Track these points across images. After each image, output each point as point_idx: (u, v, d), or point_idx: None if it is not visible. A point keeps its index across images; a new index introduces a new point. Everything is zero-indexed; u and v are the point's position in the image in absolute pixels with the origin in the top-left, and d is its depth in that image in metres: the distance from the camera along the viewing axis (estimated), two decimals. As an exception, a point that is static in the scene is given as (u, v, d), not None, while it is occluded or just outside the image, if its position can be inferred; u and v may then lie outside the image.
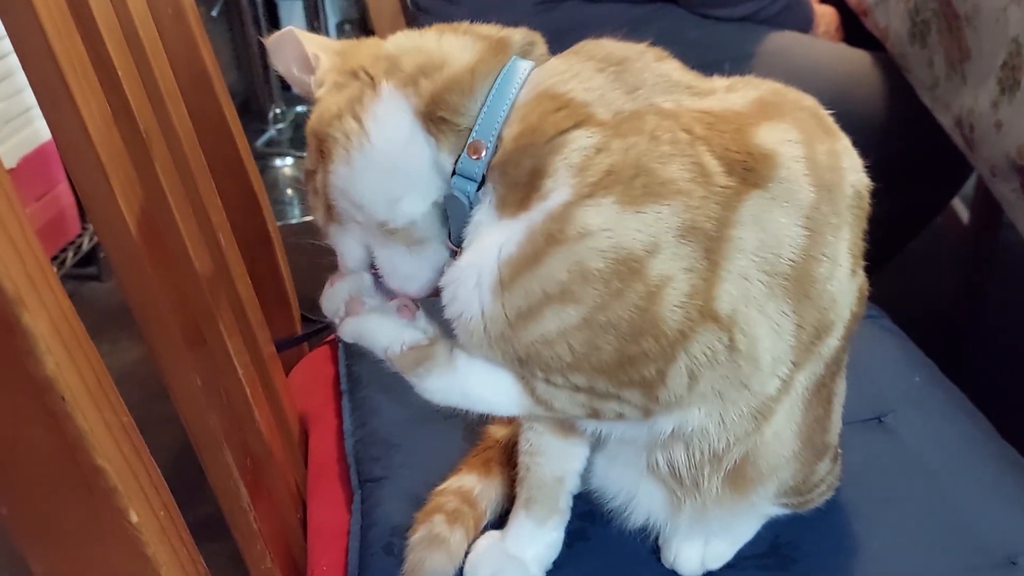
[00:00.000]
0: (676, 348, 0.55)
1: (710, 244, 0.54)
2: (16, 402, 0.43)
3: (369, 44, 0.61)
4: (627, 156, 0.53)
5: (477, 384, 0.60)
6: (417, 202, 0.58)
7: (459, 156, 0.56)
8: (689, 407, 0.59)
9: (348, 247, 0.62)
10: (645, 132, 0.54)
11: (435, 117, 0.56)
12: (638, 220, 0.53)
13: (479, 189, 0.56)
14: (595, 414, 0.60)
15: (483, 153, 0.55)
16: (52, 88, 0.53)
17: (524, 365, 0.58)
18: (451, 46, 0.58)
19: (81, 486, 0.45)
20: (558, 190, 0.54)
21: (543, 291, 0.54)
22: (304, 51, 0.60)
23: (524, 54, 0.60)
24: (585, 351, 0.55)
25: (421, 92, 0.56)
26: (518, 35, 0.60)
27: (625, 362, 0.55)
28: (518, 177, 0.55)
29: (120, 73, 0.61)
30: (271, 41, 0.62)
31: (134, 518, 0.46)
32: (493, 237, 0.55)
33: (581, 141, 0.54)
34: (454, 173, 0.56)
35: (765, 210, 0.56)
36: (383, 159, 0.57)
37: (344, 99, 0.58)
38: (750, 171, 0.55)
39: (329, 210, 0.60)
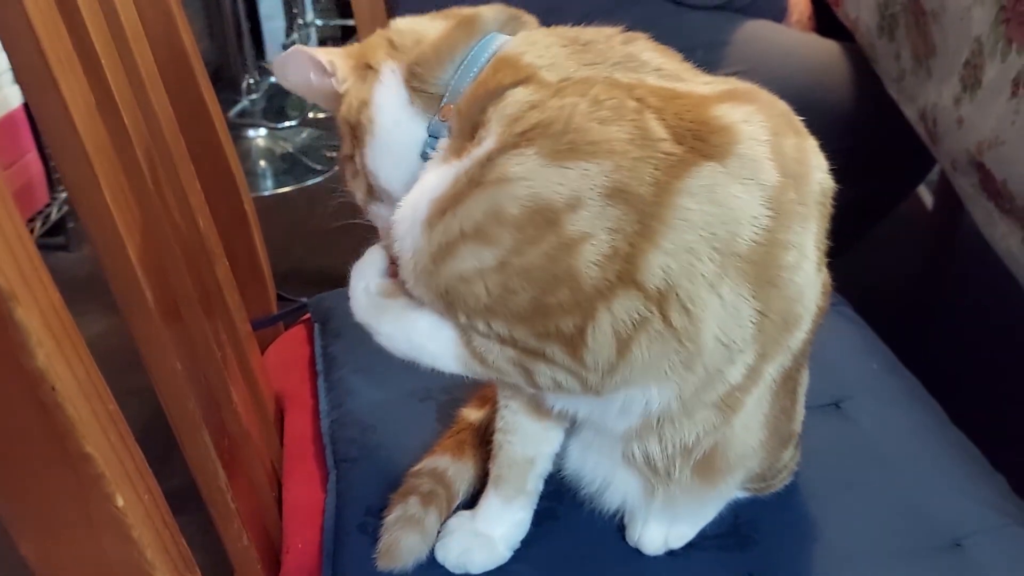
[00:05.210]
0: (593, 304, 0.55)
1: (646, 208, 0.54)
2: (8, 393, 0.44)
3: (377, 35, 0.66)
4: (559, 113, 0.55)
5: (421, 332, 0.63)
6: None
7: (431, 120, 0.61)
8: (635, 385, 0.59)
9: (387, 221, 0.64)
10: (587, 96, 0.56)
11: (412, 87, 0.61)
12: (560, 175, 0.54)
13: None
14: (529, 376, 0.60)
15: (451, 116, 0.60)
16: (38, 75, 0.54)
17: (448, 306, 0.59)
18: (431, 26, 0.64)
19: (70, 473, 0.46)
20: (488, 139, 0.57)
21: (460, 229, 0.56)
22: (318, 60, 0.65)
23: (505, 29, 0.63)
24: (500, 293, 0.57)
25: (402, 63, 0.62)
26: (491, 12, 0.64)
27: (541, 310, 0.56)
28: (464, 129, 0.59)
29: (103, 60, 0.61)
30: (278, 61, 0.66)
31: (120, 503, 0.48)
32: (429, 178, 0.59)
33: (519, 96, 0.57)
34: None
35: (720, 183, 0.55)
36: (389, 138, 0.63)
37: (366, 88, 0.63)
38: (702, 141, 0.55)
39: (370, 190, 0.65)
